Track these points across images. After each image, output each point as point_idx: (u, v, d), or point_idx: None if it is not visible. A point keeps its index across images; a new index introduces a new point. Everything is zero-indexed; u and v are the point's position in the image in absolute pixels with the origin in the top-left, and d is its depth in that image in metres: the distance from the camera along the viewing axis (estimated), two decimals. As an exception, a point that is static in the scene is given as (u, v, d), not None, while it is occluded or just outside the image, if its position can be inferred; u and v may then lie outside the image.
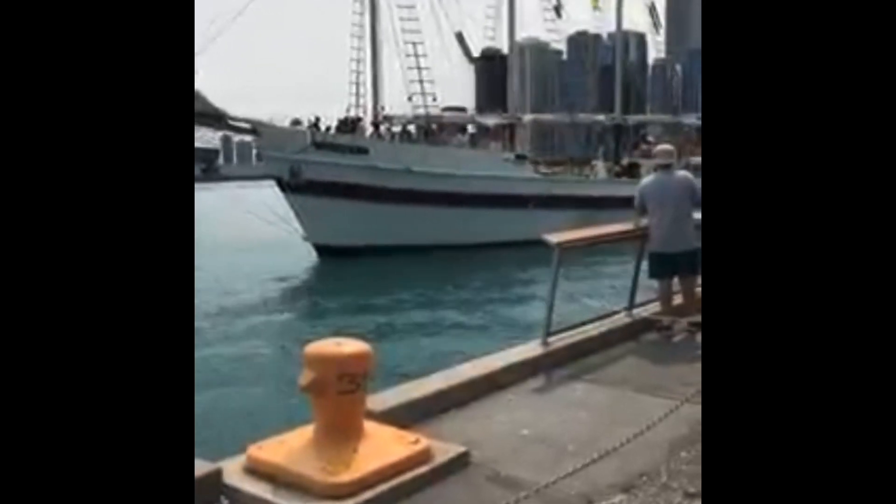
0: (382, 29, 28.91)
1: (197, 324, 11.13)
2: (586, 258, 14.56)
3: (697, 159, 26.86)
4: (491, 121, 32.39)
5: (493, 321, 16.11)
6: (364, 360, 3.80)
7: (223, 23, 23.78)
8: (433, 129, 29.59)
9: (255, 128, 25.62)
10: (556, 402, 5.15)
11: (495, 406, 5.01)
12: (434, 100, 29.65)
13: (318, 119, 27.32)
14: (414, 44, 29.14)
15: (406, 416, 4.42)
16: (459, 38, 30.37)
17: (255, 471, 3.73)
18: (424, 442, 3.96)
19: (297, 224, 26.22)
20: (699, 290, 7.06)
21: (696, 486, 3.66)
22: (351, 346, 3.80)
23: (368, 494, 3.53)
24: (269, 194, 27.25)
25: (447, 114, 30.58)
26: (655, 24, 36.61)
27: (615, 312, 7.07)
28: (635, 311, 7.16)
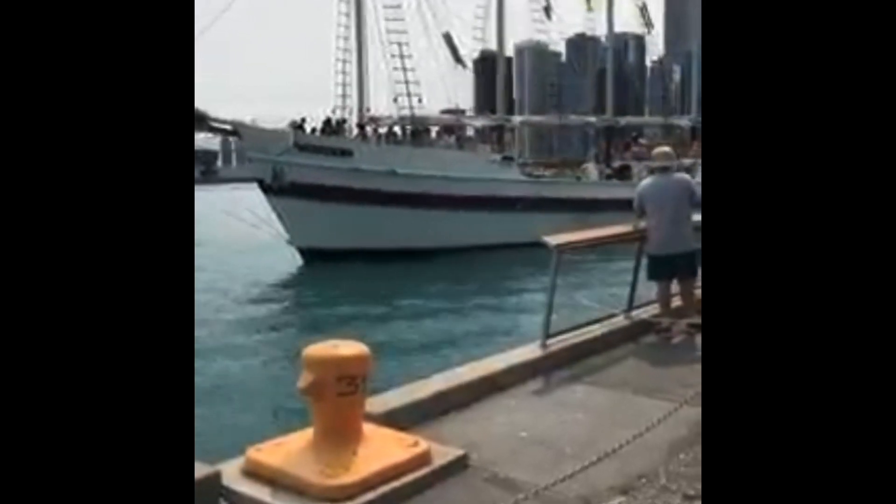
0: (368, 29, 28.79)
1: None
2: (584, 260, 14.50)
3: (689, 160, 26.81)
4: (479, 123, 32.14)
5: (484, 325, 15.97)
6: (363, 362, 3.79)
7: (208, 20, 23.39)
8: (419, 131, 29.33)
9: (237, 129, 25.36)
10: (555, 404, 5.15)
11: (494, 408, 5.01)
12: (420, 101, 29.45)
13: (303, 120, 27.12)
14: (399, 44, 28.91)
15: (405, 419, 4.42)
16: (447, 38, 30.11)
17: (254, 473, 3.72)
18: (424, 444, 3.96)
19: (280, 227, 25.99)
20: (698, 291, 7.07)
21: (695, 489, 3.66)
22: (349, 348, 3.79)
23: (368, 497, 3.52)
24: (256, 196, 27.03)
25: (434, 115, 30.29)
26: (647, 25, 36.51)
27: (614, 314, 7.07)
28: (634, 312, 7.16)
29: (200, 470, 3.50)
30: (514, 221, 26.26)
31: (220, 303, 18.59)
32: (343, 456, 3.69)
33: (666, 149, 8.11)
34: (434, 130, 30.31)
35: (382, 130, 29.43)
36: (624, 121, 35.17)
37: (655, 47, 42.39)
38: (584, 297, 6.95)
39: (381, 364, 3.98)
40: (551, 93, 43.02)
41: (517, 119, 35.14)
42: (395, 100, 29.23)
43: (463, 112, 34.13)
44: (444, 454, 4.00)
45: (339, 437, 3.78)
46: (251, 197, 27.62)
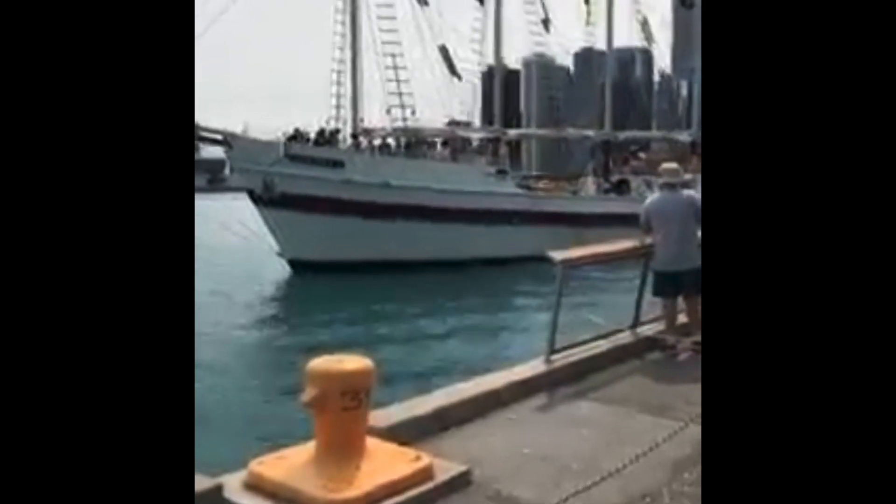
0: (363, 40, 28.47)
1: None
2: (589, 275, 14.40)
3: (688, 175, 26.62)
4: (475, 135, 31.80)
5: (480, 339, 15.78)
6: (366, 376, 3.79)
7: (206, 22, 23.18)
8: (413, 142, 29.04)
9: (227, 139, 25.03)
10: (559, 420, 5.13)
11: (498, 424, 4.99)
12: (413, 112, 29.06)
13: (297, 130, 26.80)
14: (393, 56, 28.57)
15: (408, 433, 4.41)
16: (443, 51, 29.67)
17: (256, 486, 3.71)
18: (426, 459, 3.95)
19: (271, 239, 25.66)
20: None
21: (699, 509, 3.63)
22: (353, 362, 3.79)
23: (369, 512, 3.51)
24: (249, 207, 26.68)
25: (428, 127, 29.83)
26: (648, 39, 36.35)
27: (619, 330, 7.04)
28: (639, 329, 7.14)
29: (202, 483, 3.49)
30: (508, 235, 26.12)
31: (209, 315, 18.27)
32: (346, 470, 3.68)
33: (673, 165, 8.10)
34: (431, 142, 30.06)
35: (377, 142, 29.17)
36: (622, 135, 34.99)
37: (663, 62, 42.44)
38: (588, 313, 6.93)
39: (379, 378, 3.97)
40: (549, 105, 42.83)
41: (513, 132, 34.87)
42: (389, 111, 28.96)
43: (468, 124, 34.06)
44: (446, 469, 3.98)
45: (342, 451, 3.77)
46: (247, 208, 27.36)
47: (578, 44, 35.96)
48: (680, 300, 7.17)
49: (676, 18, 37.02)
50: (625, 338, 6.94)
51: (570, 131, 39.13)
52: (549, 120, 41.15)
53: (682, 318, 7.14)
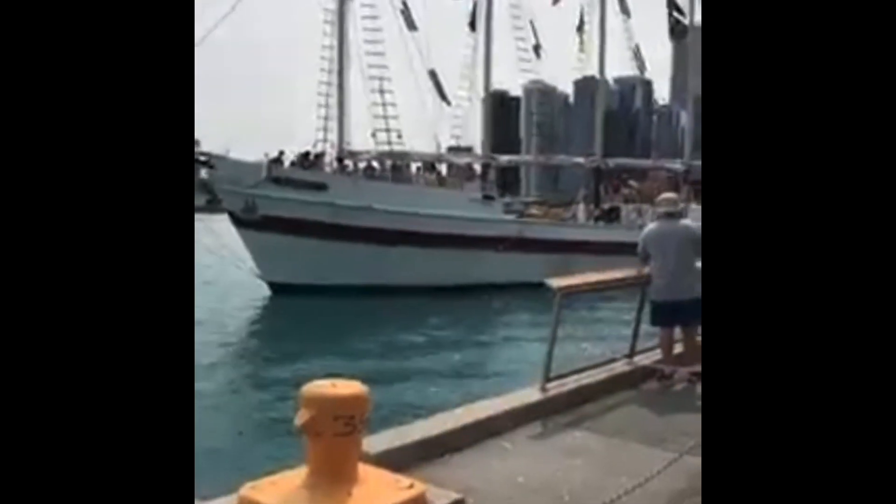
0: (351, 63, 28.19)
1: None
2: (584, 304, 14.32)
3: (680, 205, 26.59)
4: (463, 160, 31.48)
5: (468, 368, 15.49)
6: (360, 401, 3.76)
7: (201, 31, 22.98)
8: (399, 166, 28.67)
9: (209, 160, 24.64)
10: (553, 449, 5.09)
11: (492, 452, 4.95)
12: (399, 136, 28.73)
13: (281, 153, 26.56)
14: (380, 79, 28.32)
15: (401, 460, 4.37)
16: (433, 76, 29.41)
17: (247, 511, 3.67)
18: (420, 487, 3.90)
19: (251, 261, 25.16)
20: (700, 339, 7.03)
21: (694, 542, 3.60)
22: (347, 387, 3.76)
23: (361, 539, 3.47)
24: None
25: (414, 151, 29.49)
26: (641, 68, 36.46)
27: (615, 359, 7.02)
28: (636, 358, 7.12)
29: (192, 507, 3.45)
30: (494, 261, 25.85)
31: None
32: (338, 496, 3.63)
33: (671, 195, 8.14)
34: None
35: (362, 165, 28.81)
36: (613, 162, 35.02)
37: (664, 91, 42.72)
38: (583, 340, 6.91)
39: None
40: (539, 132, 42.93)
41: (503, 158, 34.81)
42: (374, 135, 28.68)
43: (469, 149, 34.12)
44: (440, 497, 3.93)
45: (335, 476, 3.73)
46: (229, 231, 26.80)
47: (576, 72, 35.91)
48: (677, 330, 7.16)
49: (676, 49, 37.13)
50: (621, 367, 6.92)
51: (561, 158, 39.15)
52: (539, 146, 41.31)
53: (679, 348, 7.13)
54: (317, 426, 3.70)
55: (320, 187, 25.52)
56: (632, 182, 34.59)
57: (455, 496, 4.00)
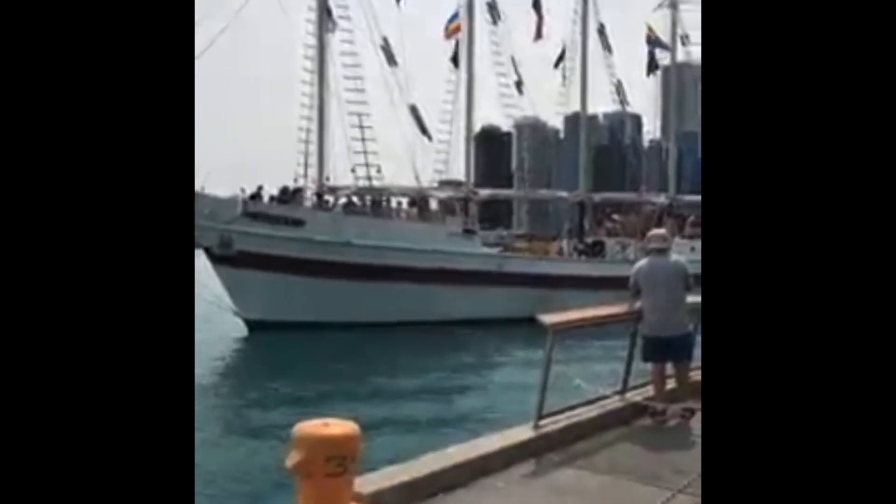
0: (331, 98, 28.15)
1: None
2: (574, 342, 14.10)
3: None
4: (443, 195, 31.30)
5: (451, 403, 15.26)
6: (352, 441, 3.72)
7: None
8: (378, 201, 28.49)
9: None
10: (546, 488, 5.05)
11: (485, 491, 4.91)
12: (378, 171, 28.56)
13: (260, 188, 26.38)
14: (359, 115, 28.18)
15: (393, 501, 4.33)
16: (413, 111, 29.40)
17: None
18: (411, 528, 3.87)
19: (227, 297, 24.75)
20: (693, 374, 7.03)
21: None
22: (339, 427, 3.73)
23: (352, 583, 3.42)
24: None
25: (394, 185, 29.28)
26: (622, 103, 36.71)
27: (607, 396, 7.00)
28: (628, 394, 7.10)
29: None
30: (474, 296, 25.63)
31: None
32: (328, 538, 3.59)
33: (661, 230, 8.19)
34: (395, 201, 29.43)
35: (342, 200, 28.62)
36: (598, 196, 35.17)
37: (654, 126, 42.97)
38: (576, 376, 6.87)
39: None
40: (519, 167, 43.13)
41: (484, 192, 34.86)
42: (353, 170, 28.45)
43: (461, 184, 34.16)
44: (432, 539, 3.90)
45: (326, 518, 3.69)
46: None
47: (561, 107, 36.00)
48: (669, 365, 7.16)
49: (665, 83, 37.45)
50: (613, 403, 6.88)
51: (544, 192, 39.12)
52: (530, 181, 41.48)
53: (671, 384, 7.11)
54: (308, 467, 3.67)
55: (297, 223, 25.34)
56: (615, 216, 34.67)
57: (448, 537, 3.97)
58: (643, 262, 7.42)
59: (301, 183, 28.08)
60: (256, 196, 26.12)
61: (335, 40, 28.22)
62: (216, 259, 24.82)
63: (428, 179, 30.89)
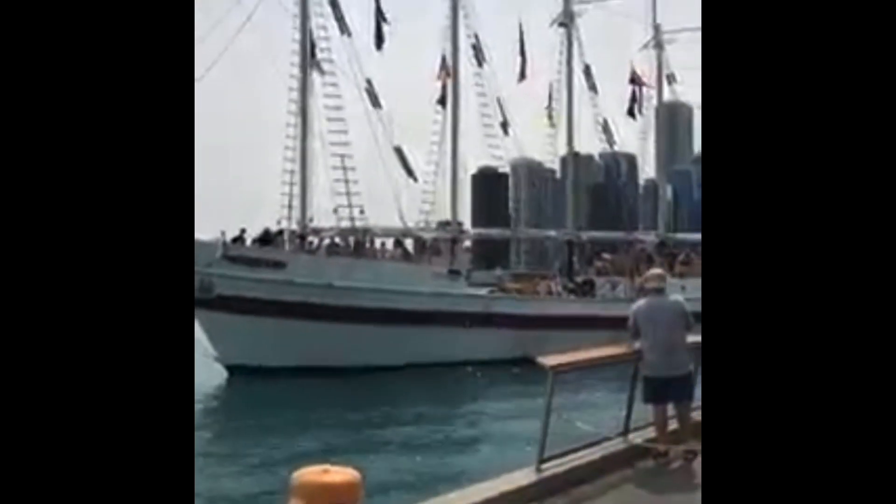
0: (315, 139, 27.58)
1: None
2: (576, 378, 13.92)
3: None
4: (429, 235, 30.41)
5: (442, 451, 14.80)
6: (354, 489, 3.67)
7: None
8: (361, 242, 27.75)
9: None
10: (549, 533, 4.99)
11: (487, 537, 4.85)
12: (361, 212, 27.70)
13: (243, 231, 25.82)
14: (342, 156, 27.54)
15: (395, 548, 4.27)
16: (398, 152, 28.87)
17: None
18: (414, 577, 3.81)
19: (206, 342, 23.78)
20: (695, 415, 6.98)
21: None
22: (340, 474, 3.69)
23: None
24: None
25: (378, 226, 28.51)
26: (609, 142, 36.77)
27: (609, 438, 6.95)
28: (630, 436, 7.04)
29: None
30: (461, 338, 25.02)
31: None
32: (330, 590, 3.54)
33: (658, 270, 8.22)
34: (379, 242, 28.71)
35: (325, 242, 28.00)
36: (586, 235, 35.04)
37: (649, 166, 43.08)
38: (577, 419, 6.82)
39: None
40: (511, 207, 43.35)
41: (472, 231, 34.58)
42: (335, 211, 27.67)
43: (460, 225, 34.12)
44: (434, 588, 3.84)
45: (327, 568, 3.64)
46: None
47: (548, 147, 35.96)
48: (670, 406, 7.11)
49: (658, 123, 37.68)
50: (616, 445, 6.83)
51: (533, 231, 38.83)
52: (538, 221, 41.64)
53: (672, 425, 7.06)
54: (309, 516, 3.62)
55: (278, 265, 24.78)
56: (605, 255, 34.53)
57: (451, 586, 3.91)
58: (642, 302, 7.42)
59: (284, 224, 27.52)
60: (239, 239, 25.65)
61: (318, 81, 27.86)
62: (196, 303, 24.21)
63: (413, 220, 30.35)
